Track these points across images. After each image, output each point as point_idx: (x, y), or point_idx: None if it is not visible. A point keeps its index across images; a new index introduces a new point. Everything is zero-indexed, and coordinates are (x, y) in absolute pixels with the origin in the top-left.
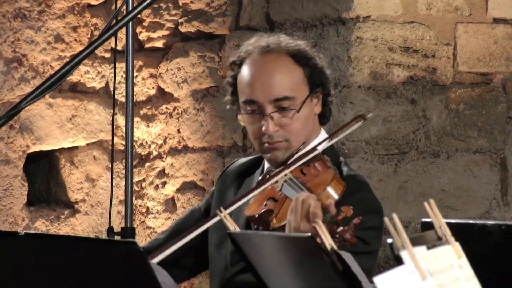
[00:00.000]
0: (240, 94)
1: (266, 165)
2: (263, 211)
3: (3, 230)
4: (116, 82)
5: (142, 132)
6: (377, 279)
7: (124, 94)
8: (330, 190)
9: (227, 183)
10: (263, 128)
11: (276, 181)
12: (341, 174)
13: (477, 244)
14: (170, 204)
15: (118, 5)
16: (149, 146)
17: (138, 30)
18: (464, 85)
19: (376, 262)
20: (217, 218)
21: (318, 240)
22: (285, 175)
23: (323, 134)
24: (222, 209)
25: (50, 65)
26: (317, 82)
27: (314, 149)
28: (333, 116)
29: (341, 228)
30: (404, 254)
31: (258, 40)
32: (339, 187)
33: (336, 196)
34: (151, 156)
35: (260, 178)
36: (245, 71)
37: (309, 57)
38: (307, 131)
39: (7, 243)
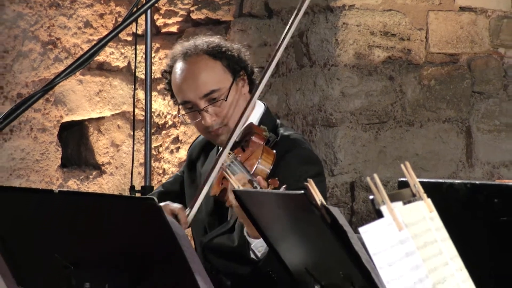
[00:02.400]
0: (176, 97)
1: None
2: (220, 190)
3: (40, 188)
4: (137, 61)
5: (159, 104)
6: (361, 230)
7: (144, 72)
8: (261, 165)
9: (194, 156)
10: (203, 122)
11: (225, 163)
12: (277, 136)
13: (446, 200)
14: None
15: None
16: (165, 117)
17: (155, 17)
18: (434, 64)
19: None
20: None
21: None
22: (229, 154)
23: (259, 106)
24: (233, 180)
25: (80, 47)
26: (237, 68)
27: (250, 126)
28: (322, 91)
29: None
30: (383, 209)
31: (179, 48)
32: (269, 158)
33: (267, 170)
34: (167, 125)
35: (215, 158)
36: (174, 77)
37: (223, 50)
38: (240, 110)
39: (44, 199)
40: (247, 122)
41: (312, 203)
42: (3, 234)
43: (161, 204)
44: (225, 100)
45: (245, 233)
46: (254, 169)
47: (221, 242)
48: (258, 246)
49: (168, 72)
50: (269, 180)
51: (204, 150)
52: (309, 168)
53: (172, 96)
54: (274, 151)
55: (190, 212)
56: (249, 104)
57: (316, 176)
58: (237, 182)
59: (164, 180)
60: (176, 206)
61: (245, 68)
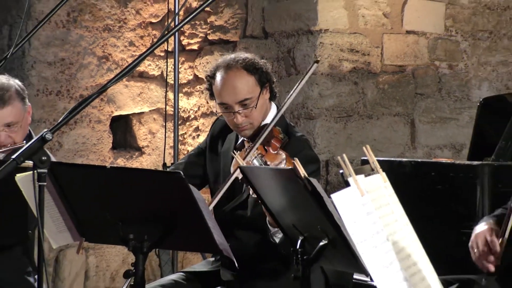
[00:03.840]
0: (216, 98)
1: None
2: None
3: (96, 165)
4: (168, 71)
5: (184, 103)
6: (333, 196)
7: (173, 78)
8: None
9: (215, 135)
10: (234, 120)
11: (251, 157)
12: (289, 136)
13: (396, 173)
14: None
15: (169, 23)
16: (188, 112)
17: (181, 38)
18: (387, 73)
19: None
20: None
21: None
22: (255, 150)
23: (273, 108)
24: (235, 151)
25: (126, 60)
26: (264, 81)
27: (269, 125)
28: (305, 93)
29: None
30: (350, 180)
31: (223, 60)
32: (289, 164)
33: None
34: (190, 118)
35: (237, 148)
36: (216, 82)
37: (256, 67)
38: (263, 113)
39: (99, 173)
40: (266, 121)
41: (297, 176)
42: (70, 198)
43: None
44: (255, 108)
45: (267, 222)
46: (274, 161)
47: (237, 212)
48: (276, 233)
49: (211, 77)
50: None
51: (223, 131)
52: (312, 166)
53: (211, 95)
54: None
55: (212, 202)
56: (278, 115)
57: (316, 171)
58: None
59: None
60: None
61: (269, 80)
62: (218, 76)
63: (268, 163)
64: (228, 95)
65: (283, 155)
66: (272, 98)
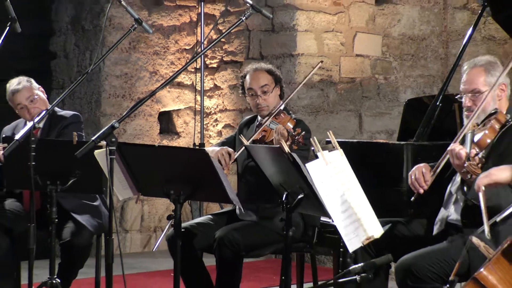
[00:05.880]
0: (246, 87)
1: (259, 119)
2: (259, 137)
3: (149, 144)
4: (196, 81)
5: (207, 102)
6: (307, 165)
7: (200, 86)
8: (289, 123)
9: (242, 127)
10: (257, 102)
11: (268, 124)
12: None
13: (349, 150)
14: (220, 134)
15: (197, 49)
16: (210, 109)
17: (205, 59)
18: (343, 82)
19: (309, 153)
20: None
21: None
22: (270, 120)
23: (282, 105)
24: (241, 135)
25: (168, 74)
26: (278, 81)
27: (279, 109)
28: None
29: (297, 136)
30: (318, 154)
31: (252, 65)
32: (292, 122)
33: (291, 126)
34: (211, 113)
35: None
36: (246, 79)
37: (275, 73)
38: (275, 102)
39: (150, 150)
40: (278, 110)
41: (283, 151)
42: (131, 166)
43: (222, 147)
44: (271, 93)
45: None
46: (285, 125)
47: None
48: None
49: (243, 76)
50: (296, 128)
51: (247, 125)
52: (307, 135)
53: (242, 89)
54: (294, 120)
55: (236, 154)
56: (283, 103)
57: (308, 139)
58: (277, 129)
59: (211, 140)
60: (230, 150)
61: (280, 82)
62: (248, 74)
63: (277, 122)
64: (255, 82)
65: (287, 117)
66: (281, 95)
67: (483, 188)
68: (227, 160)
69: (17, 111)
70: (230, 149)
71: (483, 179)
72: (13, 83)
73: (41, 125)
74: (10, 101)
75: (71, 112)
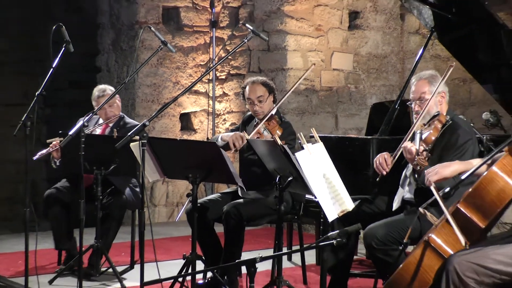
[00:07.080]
0: (245, 96)
1: (256, 120)
2: (256, 137)
3: (172, 138)
4: (209, 90)
5: (217, 106)
6: (296, 154)
7: (212, 93)
8: (278, 131)
9: (244, 121)
10: (254, 109)
11: (262, 128)
12: (281, 120)
13: (328, 143)
14: (227, 131)
15: (210, 64)
16: (220, 111)
17: (216, 72)
18: (323, 90)
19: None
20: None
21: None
22: (263, 125)
23: (275, 109)
24: (245, 133)
25: (188, 84)
26: (271, 91)
27: (271, 113)
28: (278, 99)
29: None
30: (304, 146)
31: (251, 78)
32: (280, 130)
33: (279, 133)
34: (220, 114)
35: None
36: (246, 89)
37: (269, 85)
38: (269, 108)
39: (173, 143)
40: (270, 114)
41: (277, 144)
42: (159, 156)
43: (236, 132)
44: (265, 102)
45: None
46: (274, 132)
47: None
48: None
49: (244, 87)
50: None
51: (248, 121)
52: (292, 136)
53: (243, 97)
54: (282, 128)
55: (248, 136)
56: (275, 107)
57: (294, 138)
58: (271, 132)
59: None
60: (242, 134)
61: (273, 91)
62: (247, 86)
63: (271, 131)
64: (252, 93)
65: (276, 125)
66: (275, 101)
67: (434, 184)
68: (240, 142)
69: (97, 111)
70: (242, 133)
71: (433, 176)
72: (101, 89)
73: (110, 125)
74: (94, 101)
75: (136, 123)
